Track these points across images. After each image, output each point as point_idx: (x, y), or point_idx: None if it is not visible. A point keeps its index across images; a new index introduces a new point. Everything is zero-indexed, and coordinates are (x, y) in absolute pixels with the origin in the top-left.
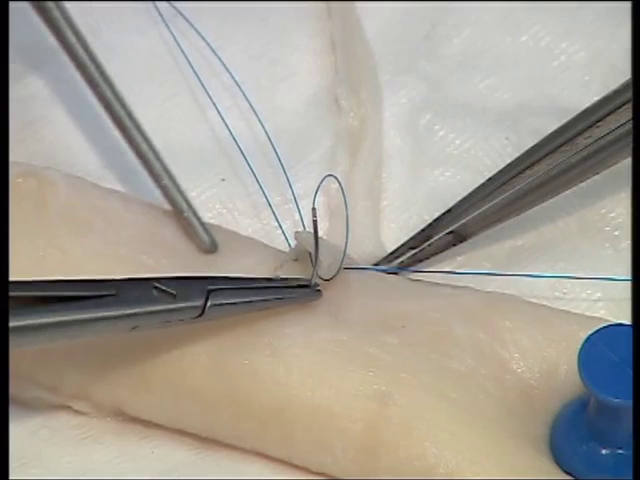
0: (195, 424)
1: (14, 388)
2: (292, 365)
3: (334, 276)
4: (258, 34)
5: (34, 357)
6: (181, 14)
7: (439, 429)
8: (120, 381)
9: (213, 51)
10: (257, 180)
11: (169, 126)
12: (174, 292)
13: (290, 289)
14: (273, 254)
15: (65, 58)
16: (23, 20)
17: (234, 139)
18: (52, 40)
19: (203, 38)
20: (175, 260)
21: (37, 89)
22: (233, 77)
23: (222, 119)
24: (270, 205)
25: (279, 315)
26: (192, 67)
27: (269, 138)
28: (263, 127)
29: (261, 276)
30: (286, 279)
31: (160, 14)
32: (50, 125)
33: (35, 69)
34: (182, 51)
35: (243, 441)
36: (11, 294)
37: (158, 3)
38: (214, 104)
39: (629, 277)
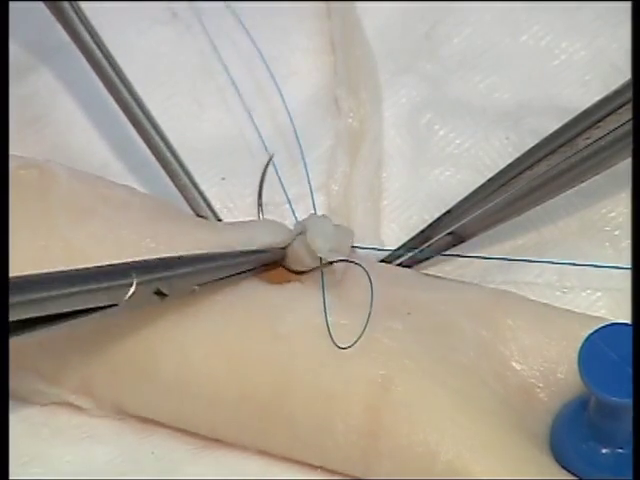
0: (196, 414)
1: (16, 380)
2: (294, 348)
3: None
4: (258, 34)
5: (37, 348)
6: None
7: (441, 415)
8: (121, 371)
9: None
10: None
11: (169, 125)
12: (167, 293)
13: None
14: (279, 226)
15: (68, 57)
16: (25, 18)
17: (258, 133)
18: (54, 39)
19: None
20: (178, 238)
21: (38, 88)
22: (272, 76)
23: (250, 115)
24: (287, 195)
25: (283, 301)
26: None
27: (297, 139)
28: (290, 118)
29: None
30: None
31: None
32: (51, 124)
33: (37, 68)
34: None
35: (244, 432)
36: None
37: (158, 3)
38: (241, 98)
39: (629, 276)
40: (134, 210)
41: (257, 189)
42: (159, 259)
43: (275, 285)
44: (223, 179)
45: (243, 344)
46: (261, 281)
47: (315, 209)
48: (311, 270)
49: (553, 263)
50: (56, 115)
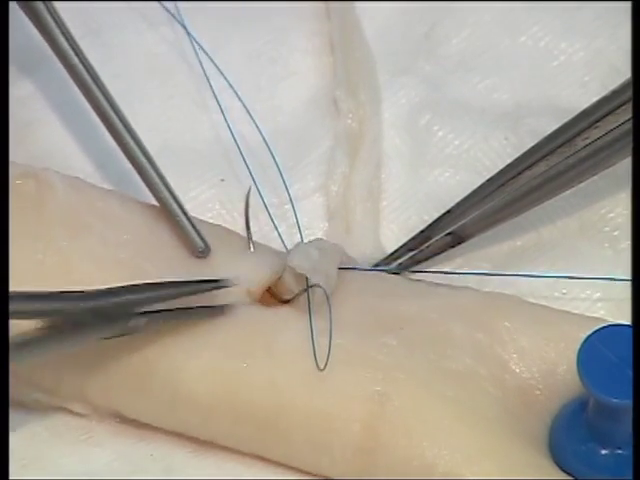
0: (192, 427)
1: (13, 390)
2: (289, 369)
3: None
4: (257, 34)
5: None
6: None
7: (438, 429)
8: (117, 384)
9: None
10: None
11: (168, 126)
12: (146, 319)
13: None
14: (270, 257)
15: None
16: (18, 22)
17: (235, 140)
18: None
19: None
20: (172, 262)
21: (32, 91)
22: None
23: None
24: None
25: (277, 323)
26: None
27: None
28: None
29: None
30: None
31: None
32: (45, 127)
33: (30, 71)
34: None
35: (241, 444)
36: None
37: (158, 3)
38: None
39: (629, 277)
40: (129, 231)
41: (256, 192)
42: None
43: (269, 308)
44: (222, 180)
45: (238, 363)
46: (255, 304)
47: (302, 238)
48: (298, 294)
49: (545, 277)
50: (50, 118)
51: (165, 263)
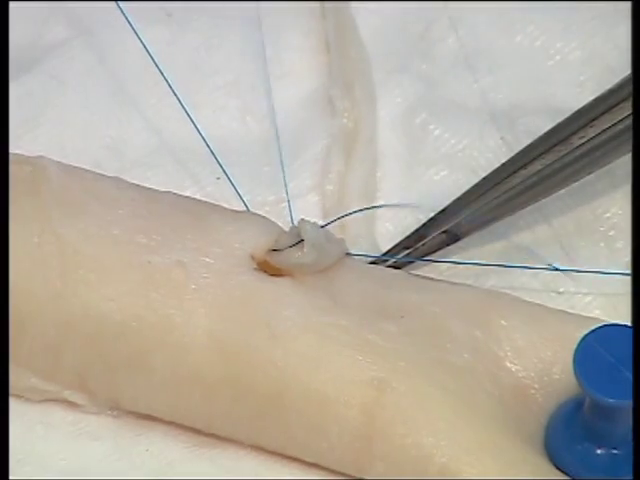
0: (192, 409)
1: (10, 377)
2: (290, 348)
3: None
4: (252, 32)
5: (32, 343)
6: None
7: (436, 418)
8: (117, 364)
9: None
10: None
11: (164, 125)
12: None
13: None
14: (276, 228)
15: (61, 57)
16: (18, 19)
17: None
18: (48, 38)
19: None
20: (166, 231)
21: (32, 88)
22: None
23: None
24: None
25: (278, 297)
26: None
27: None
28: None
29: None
30: None
31: None
32: (44, 124)
33: (30, 67)
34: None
35: (239, 426)
36: None
37: (153, 3)
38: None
39: (627, 271)
40: (124, 206)
41: (252, 189)
42: None
43: (270, 277)
44: (218, 179)
45: (238, 341)
46: (256, 271)
47: (292, 219)
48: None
49: (544, 269)
50: (49, 115)
51: (159, 233)
